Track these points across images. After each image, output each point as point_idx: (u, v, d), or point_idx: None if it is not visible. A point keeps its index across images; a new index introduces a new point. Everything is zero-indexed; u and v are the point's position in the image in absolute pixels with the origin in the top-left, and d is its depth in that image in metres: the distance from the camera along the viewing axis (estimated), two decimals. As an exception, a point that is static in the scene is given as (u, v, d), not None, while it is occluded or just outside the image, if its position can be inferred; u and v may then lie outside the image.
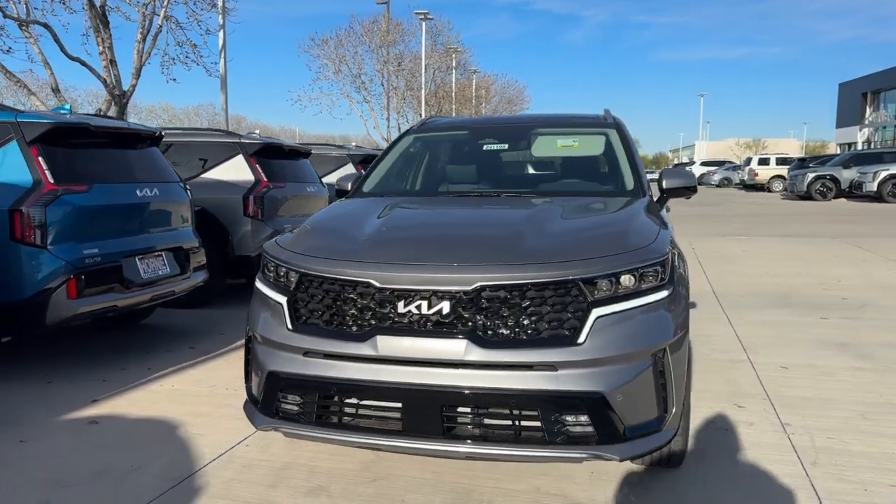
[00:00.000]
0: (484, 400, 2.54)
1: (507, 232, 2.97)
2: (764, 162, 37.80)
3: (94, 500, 2.96)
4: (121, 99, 13.71)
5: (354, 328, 2.69)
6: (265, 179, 7.19)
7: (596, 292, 2.61)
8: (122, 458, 3.35)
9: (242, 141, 7.43)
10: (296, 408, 2.78)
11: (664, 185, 3.88)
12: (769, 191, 36.38)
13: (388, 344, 2.60)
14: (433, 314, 2.59)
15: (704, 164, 53.01)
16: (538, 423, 2.55)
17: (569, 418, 2.55)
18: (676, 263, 3.02)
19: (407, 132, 4.61)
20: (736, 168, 45.91)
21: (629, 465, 3.16)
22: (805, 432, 3.61)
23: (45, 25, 13.02)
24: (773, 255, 10.69)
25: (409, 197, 3.93)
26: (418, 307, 2.60)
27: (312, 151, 8.91)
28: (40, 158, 4.54)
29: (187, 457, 3.38)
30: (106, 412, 4.03)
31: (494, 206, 3.60)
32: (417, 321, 2.61)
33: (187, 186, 5.90)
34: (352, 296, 2.72)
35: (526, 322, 2.56)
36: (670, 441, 2.75)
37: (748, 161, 39.98)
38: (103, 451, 3.46)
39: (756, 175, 37.22)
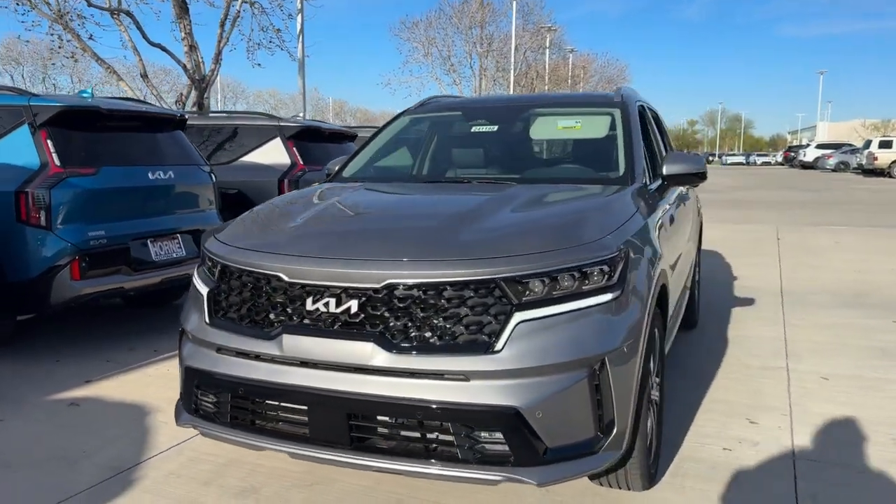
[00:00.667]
0: (391, 410, 2.29)
1: (437, 224, 2.68)
2: (886, 145, 34.76)
3: (25, 486, 2.93)
4: (200, 83, 14.15)
5: (264, 325, 2.50)
6: (301, 162, 7.13)
7: (521, 294, 2.29)
8: (79, 444, 3.33)
9: (281, 124, 7.41)
10: (211, 406, 2.63)
11: (664, 170, 3.45)
12: (889, 176, 33.45)
13: (294, 344, 2.39)
14: (342, 313, 2.36)
15: (820, 146, 49.45)
16: (450, 439, 2.27)
17: (482, 435, 2.26)
18: (647, 261, 2.65)
19: (404, 112, 4.36)
20: (854, 151, 42.49)
21: (586, 484, 2.82)
22: (815, 461, 3.13)
23: (129, 13, 13.61)
24: (866, 249, 9.70)
25: (376, 183, 3.68)
26: (326, 305, 2.38)
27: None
28: (48, 141, 4.61)
29: (140, 446, 3.32)
30: (91, 394, 4.06)
31: (450, 194, 3.30)
32: (325, 320, 2.38)
33: (212, 170, 5.90)
34: (265, 290, 2.53)
35: (440, 325, 2.28)
36: (612, 465, 2.41)
37: (867, 144, 36.87)
38: (66, 434, 3.45)
39: (875, 159, 34.29)
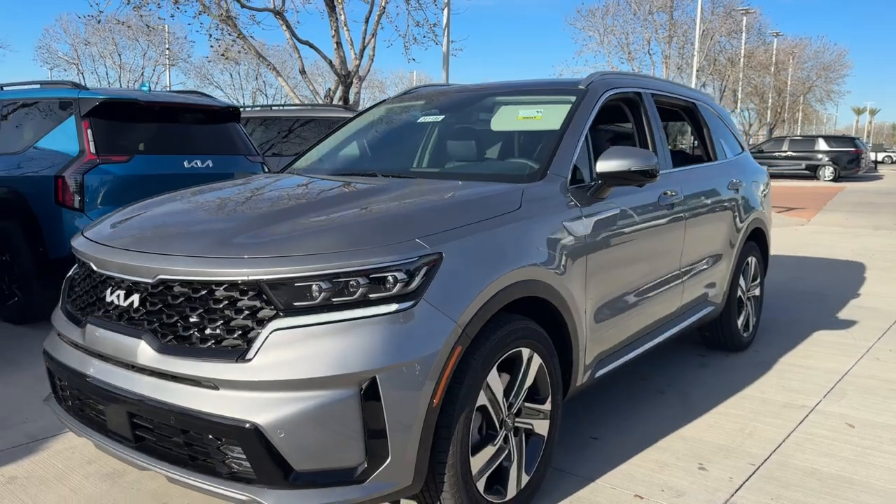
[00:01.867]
0: (155, 413, 2.19)
1: (238, 220, 2.50)
2: None
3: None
4: (345, 79, 14.78)
5: (82, 314, 2.51)
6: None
7: (288, 299, 2.07)
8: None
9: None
10: (58, 390, 2.70)
11: (597, 168, 2.96)
12: None
13: (91, 334, 2.38)
14: (128, 307, 2.30)
15: None
16: (206, 450, 2.13)
17: (229, 449, 2.09)
18: (490, 271, 2.30)
19: (382, 101, 4.18)
20: None
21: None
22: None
23: (278, 13, 14.52)
24: None
25: (294, 175, 3.52)
26: (118, 297, 2.33)
27: None
28: (88, 131, 5.03)
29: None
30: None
31: (302, 188, 3.06)
32: (116, 313, 2.34)
33: (263, 161, 6.11)
34: (87, 279, 2.55)
35: (204, 327, 2.14)
36: (387, 498, 2.12)
37: None
38: None
39: None
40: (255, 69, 50.86)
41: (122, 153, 5.11)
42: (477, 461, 2.35)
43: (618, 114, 3.87)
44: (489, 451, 2.41)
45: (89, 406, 2.47)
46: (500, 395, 2.43)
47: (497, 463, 2.46)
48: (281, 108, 9.59)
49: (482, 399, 2.35)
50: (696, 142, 4.63)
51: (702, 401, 3.80)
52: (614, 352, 3.21)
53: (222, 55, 16.26)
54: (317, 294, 2.07)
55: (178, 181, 5.30)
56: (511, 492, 2.52)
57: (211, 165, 5.59)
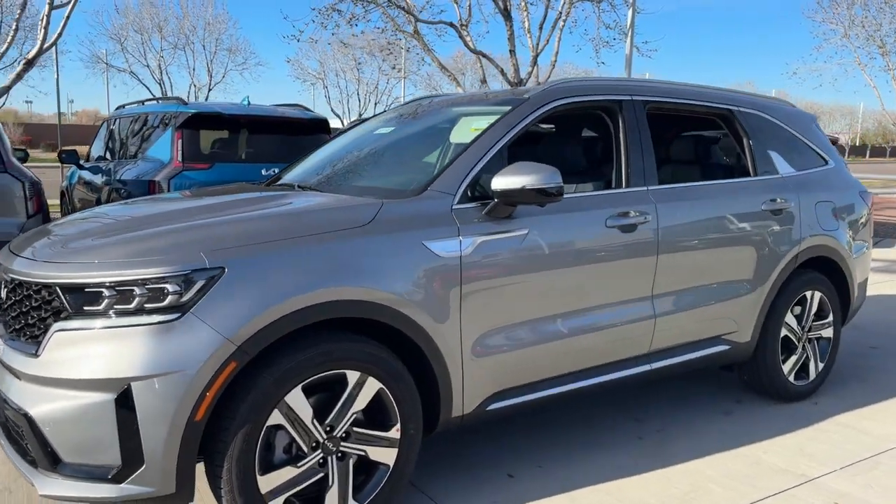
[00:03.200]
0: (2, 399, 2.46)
1: (90, 229, 2.66)
2: None
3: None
4: (517, 86, 14.78)
5: None
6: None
7: (76, 302, 2.23)
8: None
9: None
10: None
11: (492, 185, 2.73)
12: None
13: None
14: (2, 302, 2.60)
15: None
16: (20, 433, 2.36)
17: (23, 434, 2.30)
18: (292, 289, 2.28)
19: (384, 111, 4.20)
20: None
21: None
22: None
23: (452, 24, 14.92)
24: None
25: (253, 189, 3.61)
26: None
27: None
28: (179, 140, 5.69)
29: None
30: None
31: (208, 201, 3.13)
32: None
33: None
34: None
35: (24, 323, 2.37)
36: (149, 501, 2.19)
37: None
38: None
39: None
40: (480, 77, 52.72)
41: (204, 161, 5.70)
42: (270, 480, 2.32)
43: (599, 124, 3.51)
44: (290, 471, 2.36)
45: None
46: (307, 416, 2.37)
47: (305, 485, 2.40)
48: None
49: (277, 418, 2.31)
50: (728, 155, 4.01)
51: (678, 454, 3.31)
52: (525, 386, 2.93)
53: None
54: (102, 301, 2.20)
55: (254, 187, 5.80)
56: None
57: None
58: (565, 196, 3.17)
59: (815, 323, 4.06)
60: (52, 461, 2.20)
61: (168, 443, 2.15)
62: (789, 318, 3.90)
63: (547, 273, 2.91)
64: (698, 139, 4.11)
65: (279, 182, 3.62)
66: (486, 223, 2.76)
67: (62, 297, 2.24)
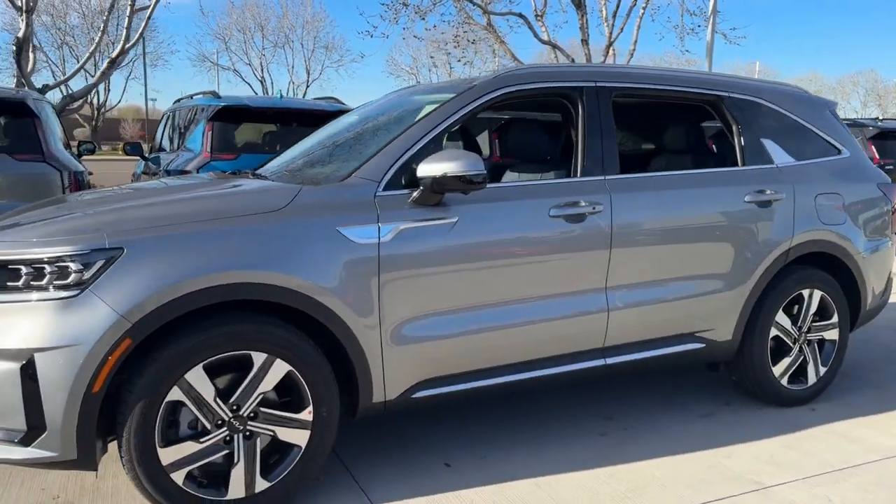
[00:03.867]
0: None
1: (47, 211, 2.83)
2: None
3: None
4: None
5: None
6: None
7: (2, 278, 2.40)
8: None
9: None
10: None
11: (417, 172, 2.72)
12: None
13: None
14: None
15: None
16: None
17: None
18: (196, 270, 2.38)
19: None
20: None
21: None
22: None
23: (521, 15, 14.74)
24: None
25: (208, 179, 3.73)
26: None
27: None
28: (210, 133, 5.97)
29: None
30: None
31: (152, 187, 3.24)
32: None
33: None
34: None
35: None
36: (52, 465, 2.35)
37: None
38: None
39: None
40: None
41: (230, 151, 5.94)
42: (171, 453, 2.42)
43: (566, 113, 3.42)
44: (192, 446, 2.46)
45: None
46: (209, 394, 2.45)
47: (209, 460, 2.49)
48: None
49: (177, 395, 2.41)
50: (714, 144, 3.78)
51: (635, 453, 3.19)
52: (456, 376, 2.91)
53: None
54: (20, 277, 2.36)
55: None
56: (236, 493, 2.53)
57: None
58: (509, 185, 3.15)
59: (814, 324, 3.79)
60: (-23, 425, 2.39)
61: (67, 412, 2.28)
62: (781, 318, 3.66)
63: (478, 263, 2.87)
64: (680, 127, 3.90)
65: (255, 171, 3.74)
66: (412, 210, 2.76)
67: None
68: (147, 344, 2.38)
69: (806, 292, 3.71)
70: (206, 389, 2.45)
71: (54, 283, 2.32)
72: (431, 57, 37.28)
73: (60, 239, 2.37)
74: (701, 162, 3.74)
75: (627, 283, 3.21)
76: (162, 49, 51.86)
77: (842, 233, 3.76)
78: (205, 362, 2.44)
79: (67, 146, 7.57)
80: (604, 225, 3.11)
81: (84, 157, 7.54)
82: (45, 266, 2.33)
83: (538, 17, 15.77)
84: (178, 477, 2.46)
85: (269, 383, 2.55)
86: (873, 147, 9.10)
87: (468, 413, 3.58)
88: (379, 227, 2.69)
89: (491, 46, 16.72)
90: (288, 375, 2.57)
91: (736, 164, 3.62)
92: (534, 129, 3.66)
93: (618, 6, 14.53)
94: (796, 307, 3.72)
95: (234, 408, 2.51)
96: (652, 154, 3.84)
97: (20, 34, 10.57)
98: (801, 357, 3.76)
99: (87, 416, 2.31)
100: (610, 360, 3.24)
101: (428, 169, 2.70)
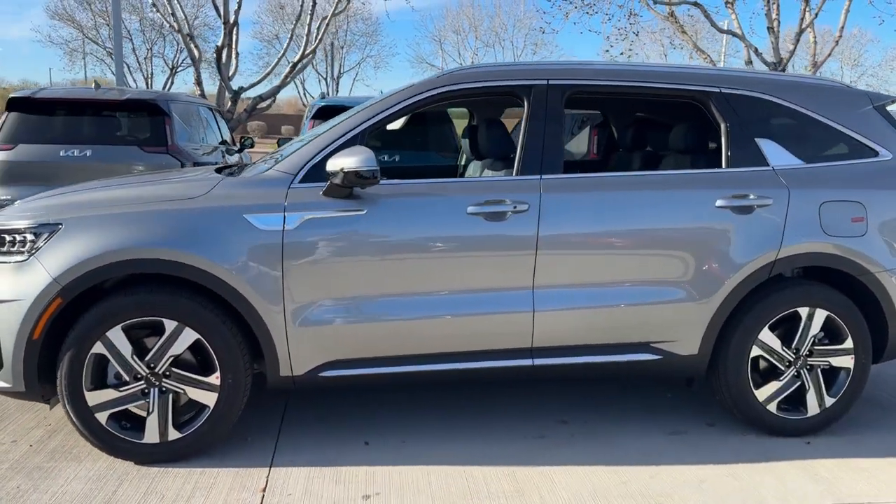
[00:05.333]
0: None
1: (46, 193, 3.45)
2: None
3: None
4: (776, 67, 13.12)
5: None
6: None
7: None
8: None
9: None
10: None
11: (326, 166, 2.95)
12: None
13: None
14: None
15: None
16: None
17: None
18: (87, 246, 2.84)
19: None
20: None
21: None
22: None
23: (696, 4, 13.71)
24: None
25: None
26: None
27: None
28: (311, 127, 6.59)
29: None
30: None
31: (151, 177, 3.73)
32: None
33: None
34: None
35: None
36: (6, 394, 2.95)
37: None
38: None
39: None
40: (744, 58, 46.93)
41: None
42: (95, 396, 2.92)
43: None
44: (112, 393, 2.93)
45: None
46: (126, 351, 2.90)
47: (126, 407, 2.95)
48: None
49: (100, 349, 2.89)
50: (694, 143, 3.46)
51: (556, 458, 3.13)
52: (364, 360, 3.08)
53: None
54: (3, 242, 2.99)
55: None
56: (151, 438, 2.96)
57: (398, 160, 6.54)
58: (427, 182, 3.27)
59: (818, 347, 3.36)
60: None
61: (15, 353, 2.86)
62: (766, 336, 3.30)
63: (386, 255, 3.02)
64: (656, 126, 3.64)
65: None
66: (325, 202, 2.99)
67: None
68: (79, 306, 2.89)
69: (804, 311, 3.31)
70: (125, 347, 2.91)
71: (14, 249, 2.91)
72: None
73: (25, 215, 2.97)
74: (678, 163, 3.49)
75: (558, 285, 3.14)
76: (385, 52, 55.73)
77: (855, 247, 3.29)
78: (123, 324, 2.89)
79: (228, 142, 8.75)
80: (530, 224, 3.08)
81: (247, 150, 8.67)
82: (8, 236, 2.93)
83: (728, 5, 14.69)
84: (102, 417, 2.95)
85: (179, 347, 2.94)
86: None
87: (426, 398, 3.71)
88: (285, 216, 2.96)
89: (666, 39, 15.88)
90: (199, 342, 2.94)
91: (717, 165, 3.34)
92: (497, 126, 3.67)
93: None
94: (790, 326, 3.33)
95: (151, 366, 2.94)
96: (631, 155, 3.65)
97: (219, 43, 12.31)
98: (798, 383, 3.36)
99: (31, 358, 2.86)
100: (539, 362, 3.19)
101: (332, 164, 2.92)
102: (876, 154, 3.45)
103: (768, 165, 3.32)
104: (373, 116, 3.17)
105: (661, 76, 3.39)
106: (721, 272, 3.21)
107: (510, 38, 43.79)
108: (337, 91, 40.57)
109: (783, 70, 13.33)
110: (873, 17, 25.66)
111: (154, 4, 13.52)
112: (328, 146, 3.08)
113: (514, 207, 3.07)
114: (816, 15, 13.14)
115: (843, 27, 14.32)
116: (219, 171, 3.55)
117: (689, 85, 3.38)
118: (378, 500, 2.75)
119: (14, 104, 6.22)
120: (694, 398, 3.83)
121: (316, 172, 3.04)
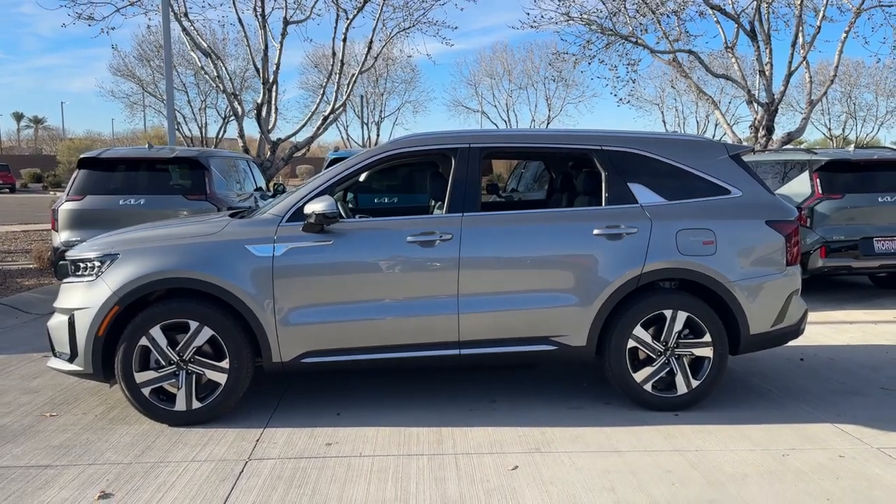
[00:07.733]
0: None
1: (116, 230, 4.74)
2: None
3: None
4: (768, 108, 13.96)
5: None
6: (820, 192, 7.96)
7: (70, 269, 4.33)
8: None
9: (812, 158, 8.28)
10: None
11: (304, 209, 4.15)
12: None
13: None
14: None
15: None
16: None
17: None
18: (136, 268, 4.08)
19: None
20: None
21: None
22: None
23: (690, 52, 14.71)
24: None
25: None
26: None
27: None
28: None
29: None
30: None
31: (198, 218, 4.98)
32: None
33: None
34: None
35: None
36: (78, 374, 4.18)
37: None
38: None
39: None
40: (745, 98, 46.95)
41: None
42: (141, 376, 4.11)
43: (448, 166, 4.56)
44: (152, 374, 4.13)
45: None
46: (163, 343, 4.10)
47: (164, 384, 4.14)
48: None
49: (145, 341, 4.10)
50: (579, 187, 4.52)
51: (481, 420, 4.19)
52: (335, 350, 4.21)
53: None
54: (79, 268, 4.26)
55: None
56: (180, 407, 4.14)
57: (396, 202, 7.74)
58: (379, 219, 4.44)
59: (682, 340, 4.35)
60: (51, 349, 4.32)
61: (86, 345, 4.09)
62: (639, 332, 4.32)
63: (347, 273, 4.19)
64: (554, 174, 4.75)
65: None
66: (303, 235, 4.18)
67: (69, 264, 4.36)
68: (131, 311, 4.12)
69: (668, 312, 4.32)
70: (162, 340, 4.12)
71: (90, 272, 4.17)
72: (672, 86, 36.79)
73: (94, 248, 4.24)
74: (570, 202, 4.58)
75: (476, 294, 4.25)
76: (423, 97, 58.06)
77: (707, 263, 4.31)
78: (161, 324, 4.11)
79: (262, 188, 10.07)
80: (452, 249, 4.21)
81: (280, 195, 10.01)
82: (87, 262, 4.19)
83: (728, 49, 15.67)
84: (146, 391, 4.15)
85: (200, 341, 4.13)
86: (818, 180, 7.94)
87: (387, 383, 4.81)
88: (274, 246, 4.15)
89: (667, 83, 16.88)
90: (214, 337, 4.13)
91: (598, 204, 4.43)
92: (439, 177, 4.86)
93: (795, 36, 13.87)
94: (659, 324, 4.35)
95: (180, 354, 4.13)
96: (562, 196, 4.75)
97: (258, 100, 13.92)
98: (668, 368, 4.36)
99: (97, 349, 4.09)
100: (465, 352, 4.28)
101: (308, 208, 4.11)
102: (728, 192, 4.49)
103: (637, 203, 4.40)
104: (341, 172, 4.36)
105: (556, 138, 4.53)
106: (599, 283, 4.27)
107: (542, 80, 45.09)
108: (378, 135, 42.59)
109: (775, 109, 14.17)
110: (869, 55, 25.82)
111: (203, 68, 15.17)
112: (306, 196, 4.28)
113: (441, 237, 4.22)
114: (804, 59, 13.98)
115: (837, 66, 15.15)
116: (232, 215, 4.80)
117: (577, 144, 4.50)
118: (336, 446, 3.86)
119: (84, 163, 7.72)
120: (604, 386, 4.84)
121: (298, 214, 4.23)
